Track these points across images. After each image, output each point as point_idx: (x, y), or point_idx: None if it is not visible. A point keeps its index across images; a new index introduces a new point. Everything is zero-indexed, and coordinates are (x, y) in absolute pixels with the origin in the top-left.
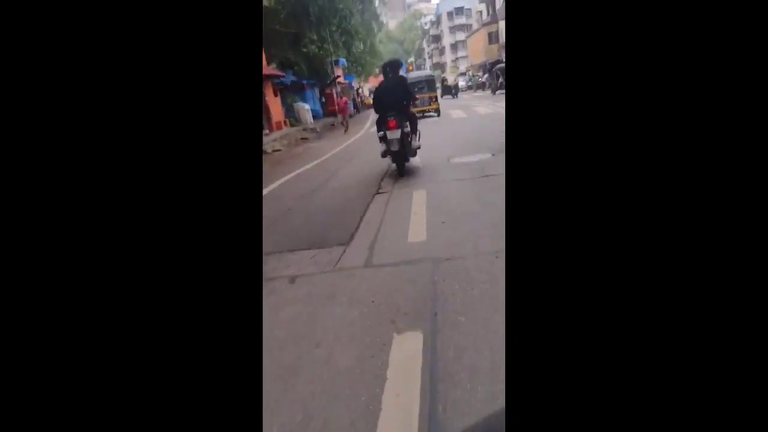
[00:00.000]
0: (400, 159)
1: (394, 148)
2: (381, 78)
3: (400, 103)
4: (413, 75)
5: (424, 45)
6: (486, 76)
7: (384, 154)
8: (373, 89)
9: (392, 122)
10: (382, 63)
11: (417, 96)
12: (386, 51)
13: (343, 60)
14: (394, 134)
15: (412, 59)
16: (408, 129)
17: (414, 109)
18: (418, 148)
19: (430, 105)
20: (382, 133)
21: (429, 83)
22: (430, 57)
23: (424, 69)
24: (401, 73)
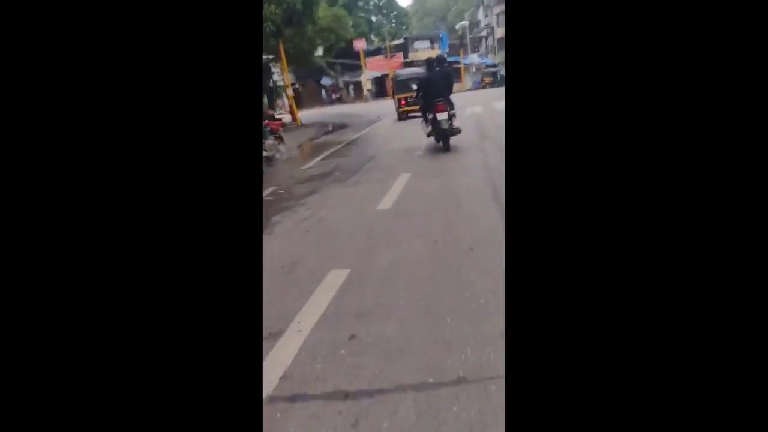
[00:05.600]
0: (446, 136)
1: (444, 126)
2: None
3: (445, 91)
4: (404, 72)
5: (480, 15)
6: None
7: (429, 134)
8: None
9: (441, 106)
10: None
11: (407, 94)
12: (420, 26)
13: None
14: (443, 116)
15: (464, 23)
16: (453, 112)
17: (403, 109)
18: (459, 130)
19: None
20: (431, 115)
21: None
22: (491, 32)
23: (480, 50)
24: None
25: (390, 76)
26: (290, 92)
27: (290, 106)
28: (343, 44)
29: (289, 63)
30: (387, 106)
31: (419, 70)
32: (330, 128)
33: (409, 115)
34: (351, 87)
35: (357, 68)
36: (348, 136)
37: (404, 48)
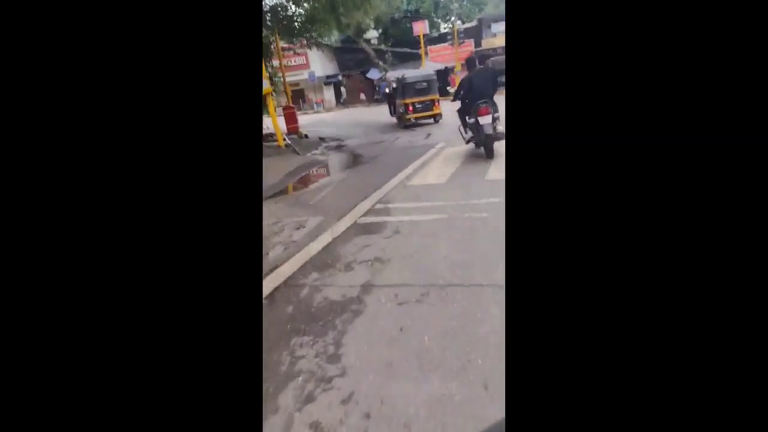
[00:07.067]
0: (490, 142)
1: (488, 131)
2: None
3: (490, 92)
4: (412, 75)
5: None
6: None
7: (469, 141)
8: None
9: (485, 109)
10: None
11: (415, 99)
12: (496, 14)
13: None
14: (486, 119)
15: None
16: (498, 114)
17: (411, 116)
18: (504, 134)
19: (431, 110)
20: (472, 120)
21: (430, 84)
22: None
23: None
24: None
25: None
26: (268, 86)
27: (271, 115)
28: (378, 13)
29: (305, 40)
30: (449, 111)
31: (428, 72)
32: (318, 170)
33: (416, 122)
34: None
35: (415, 58)
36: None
37: (477, 32)
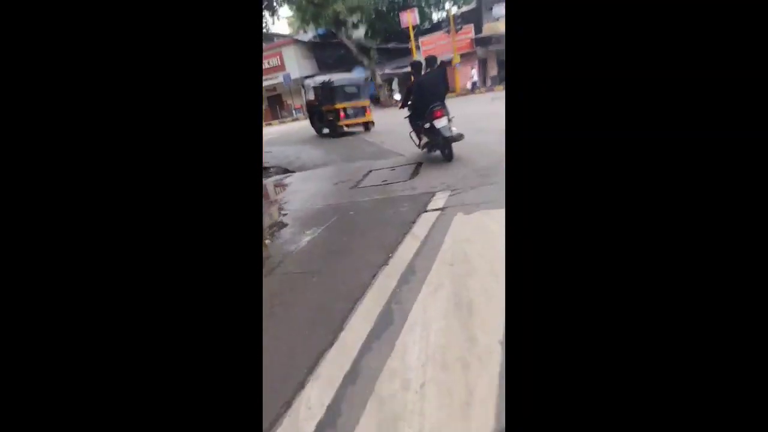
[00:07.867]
0: (449, 144)
1: (446, 134)
2: None
3: (440, 95)
4: (339, 78)
5: None
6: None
7: (424, 146)
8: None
9: (439, 112)
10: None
11: (347, 104)
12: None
13: None
14: (442, 122)
15: None
16: (451, 117)
17: (343, 122)
18: (462, 135)
19: (363, 117)
20: (428, 124)
21: (361, 89)
22: None
23: None
24: None
25: (303, 82)
26: None
27: None
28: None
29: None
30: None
31: (358, 76)
32: None
33: (347, 129)
34: (395, 81)
35: (404, 53)
36: None
37: (477, 16)
